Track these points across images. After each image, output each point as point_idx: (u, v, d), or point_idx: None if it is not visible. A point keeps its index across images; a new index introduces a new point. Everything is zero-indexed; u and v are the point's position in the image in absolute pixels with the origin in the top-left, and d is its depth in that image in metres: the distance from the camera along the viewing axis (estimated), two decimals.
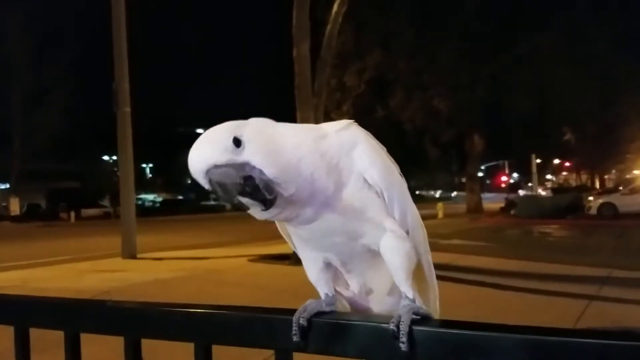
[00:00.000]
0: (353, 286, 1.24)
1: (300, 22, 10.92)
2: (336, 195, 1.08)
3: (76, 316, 1.39)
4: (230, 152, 1.02)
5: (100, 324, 1.35)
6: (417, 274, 1.20)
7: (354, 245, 1.14)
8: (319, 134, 1.12)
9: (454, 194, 73.95)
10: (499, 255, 11.32)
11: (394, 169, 1.17)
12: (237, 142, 1.03)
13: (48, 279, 9.46)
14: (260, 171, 1.02)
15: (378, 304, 1.24)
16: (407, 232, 1.17)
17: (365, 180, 1.11)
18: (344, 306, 1.29)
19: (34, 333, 1.42)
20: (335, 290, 1.26)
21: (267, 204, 1.03)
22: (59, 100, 41.28)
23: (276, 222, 1.21)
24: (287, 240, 1.30)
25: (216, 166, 1.01)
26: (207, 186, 1.04)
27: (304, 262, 1.24)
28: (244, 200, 1.04)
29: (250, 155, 1.02)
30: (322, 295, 1.20)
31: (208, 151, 1.03)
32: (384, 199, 1.13)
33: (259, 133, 1.06)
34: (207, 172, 1.01)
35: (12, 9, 38.95)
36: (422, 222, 1.23)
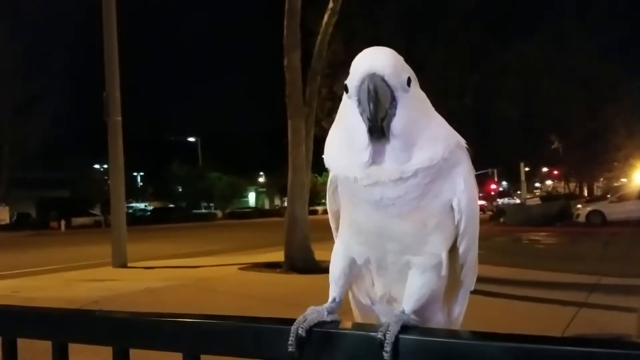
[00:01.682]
0: (378, 289, 1.23)
1: (291, 32, 10.95)
2: (422, 199, 1.05)
3: (64, 326, 1.38)
4: (400, 82, 1.01)
5: (89, 334, 1.34)
6: (450, 302, 1.24)
7: (401, 258, 1.12)
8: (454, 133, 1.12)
9: None
10: (488, 263, 11.32)
11: (477, 201, 1.15)
12: (408, 83, 1.03)
13: (38, 289, 9.38)
14: (401, 115, 1.00)
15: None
16: (463, 266, 1.18)
17: (449, 203, 1.09)
18: (358, 307, 1.29)
19: (23, 343, 1.42)
20: (353, 290, 1.25)
21: (380, 135, 0.98)
22: (49, 108, 41.07)
23: (340, 201, 1.17)
24: (332, 224, 1.26)
25: (384, 80, 0.99)
26: (355, 84, 1.01)
27: (337, 253, 1.20)
28: (363, 126, 0.99)
29: (405, 100, 1.01)
30: (330, 297, 1.18)
31: (392, 65, 1.01)
32: (459, 228, 1.12)
33: (421, 94, 1.09)
34: (374, 76, 0.98)
35: (2, 17, 38.80)
36: (477, 262, 1.23)
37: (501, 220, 29.07)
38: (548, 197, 42.30)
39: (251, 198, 69.45)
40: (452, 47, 28.06)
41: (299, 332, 1.06)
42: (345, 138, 1.04)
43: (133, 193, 56.61)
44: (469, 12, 27.35)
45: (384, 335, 0.98)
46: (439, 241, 1.10)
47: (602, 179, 53.86)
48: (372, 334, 1.02)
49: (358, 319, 1.36)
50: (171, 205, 58.28)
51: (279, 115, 12.21)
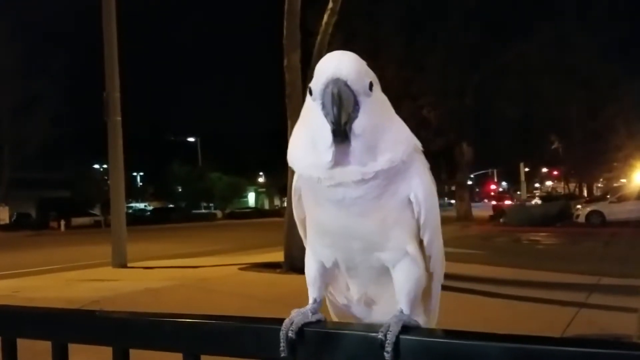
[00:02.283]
0: (353, 292, 1.24)
1: (291, 32, 10.95)
2: (381, 198, 1.08)
3: (64, 326, 1.38)
4: (363, 87, 1.05)
5: (88, 334, 1.34)
6: (425, 295, 1.23)
7: (368, 256, 1.14)
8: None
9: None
10: (488, 263, 11.37)
11: (436, 194, 1.18)
12: (370, 88, 1.06)
13: (38, 289, 9.38)
14: (363, 119, 1.03)
15: (377, 315, 1.25)
16: (430, 257, 1.20)
17: (408, 199, 1.12)
18: (335, 311, 1.30)
19: (23, 343, 1.41)
20: (330, 293, 1.27)
21: (343, 137, 1.01)
22: (49, 108, 41.05)
23: (304, 203, 1.21)
24: (300, 231, 1.29)
25: (347, 85, 1.02)
26: (320, 88, 1.04)
27: (308, 257, 1.24)
28: (328, 127, 1.02)
29: (368, 105, 1.05)
30: (310, 299, 1.21)
31: (355, 70, 1.04)
32: (419, 221, 1.14)
33: (382, 98, 1.12)
34: (338, 81, 1.01)
35: (2, 17, 38.79)
36: (444, 252, 1.25)
37: (501, 220, 29.09)
38: (548, 197, 42.28)
39: (251, 198, 69.45)
40: (452, 47, 28.09)
41: (289, 334, 1.08)
42: (309, 139, 1.07)
43: (133, 193, 56.60)
44: (468, 12, 27.35)
45: (385, 336, 0.99)
46: (401, 235, 1.13)
47: (601, 180, 53.89)
48: (372, 334, 1.02)
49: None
50: (171, 206, 58.28)
51: (279, 115, 12.21)
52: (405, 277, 1.14)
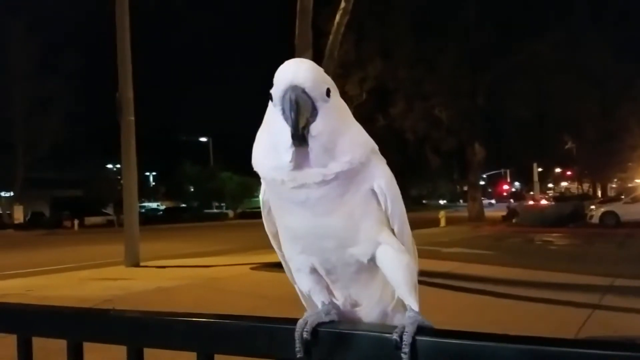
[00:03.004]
0: (338, 297, 1.25)
1: (303, 32, 10.97)
2: (344, 195, 1.12)
3: (79, 325, 1.39)
4: (320, 93, 1.09)
5: (103, 333, 1.35)
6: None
7: (342, 253, 1.16)
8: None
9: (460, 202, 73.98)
10: (501, 264, 11.30)
11: (397, 186, 1.21)
12: (328, 94, 1.10)
13: (51, 287, 9.46)
14: (320, 123, 1.07)
15: (365, 317, 1.25)
16: (402, 243, 1.20)
17: (371, 190, 1.15)
18: (339, 312, 1.30)
19: (37, 342, 1.43)
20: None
21: (301, 141, 1.05)
22: (62, 108, 41.40)
23: (273, 213, 1.23)
24: (274, 245, 1.32)
25: (305, 92, 1.06)
26: (279, 95, 1.08)
27: (293, 272, 1.26)
28: (287, 132, 1.05)
29: (325, 110, 1.08)
30: (319, 304, 1.22)
31: (312, 78, 1.08)
32: (387, 211, 1.17)
33: (341, 104, 1.16)
34: (296, 88, 1.05)
35: (16, 17, 39.19)
36: (413, 241, 1.27)
37: (514, 221, 28.90)
38: (561, 197, 41.96)
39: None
40: (463, 47, 27.94)
41: (304, 335, 1.10)
42: (271, 143, 1.11)
43: (145, 193, 56.92)
44: (480, 11, 27.19)
45: (401, 337, 1.00)
46: (371, 226, 1.15)
47: (616, 180, 53.36)
48: (387, 335, 1.02)
49: None
50: (183, 205, 58.56)
51: None
52: (392, 266, 1.15)
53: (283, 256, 1.28)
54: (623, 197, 27.57)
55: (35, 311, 1.52)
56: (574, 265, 10.98)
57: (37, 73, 40.41)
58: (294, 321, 1.12)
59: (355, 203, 1.13)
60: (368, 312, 1.23)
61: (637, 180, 41.32)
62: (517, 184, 74.35)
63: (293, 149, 1.05)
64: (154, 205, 63.52)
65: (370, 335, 1.06)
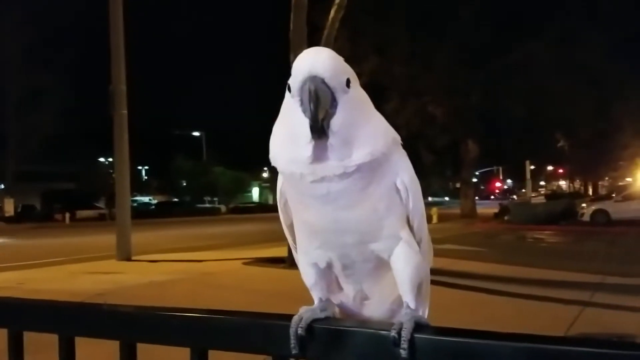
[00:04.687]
0: (348, 291, 1.24)
1: (298, 27, 10.93)
2: (366, 188, 1.09)
3: (71, 320, 1.38)
4: (340, 83, 1.06)
5: (96, 328, 1.34)
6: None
7: (363, 249, 1.14)
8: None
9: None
10: (492, 261, 11.35)
11: (417, 180, 1.19)
12: (348, 84, 1.07)
13: (42, 281, 9.42)
14: (340, 114, 1.04)
15: (371, 312, 1.24)
16: (420, 242, 1.20)
17: (394, 185, 1.13)
18: (334, 311, 1.30)
19: (29, 334, 1.41)
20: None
21: (320, 133, 1.02)
22: (54, 101, 41.12)
23: (290, 206, 1.21)
24: (288, 237, 1.29)
25: (324, 82, 1.03)
26: (297, 86, 1.05)
27: (302, 263, 1.23)
28: (306, 124, 1.03)
29: (345, 101, 1.05)
30: (316, 300, 1.20)
31: (331, 68, 1.05)
32: (408, 206, 1.15)
33: (361, 94, 1.13)
34: (315, 79, 1.02)
35: (8, 10, 38.83)
36: (430, 238, 1.26)
37: (505, 218, 29.02)
38: (553, 195, 42.19)
39: (255, 193, 69.51)
40: (458, 45, 27.98)
41: (299, 332, 1.08)
42: (289, 135, 1.08)
43: (138, 187, 56.73)
44: (475, 10, 27.23)
45: (399, 334, 0.99)
46: (394, 222, 1.14)
47: (607, 178, 53.72)
48: (383, 332, 1.01)
49: None
50: (175, 200, 58.43)
51: None
52: (404, 264, 1.14)
53: (296, 249, 1.25)
54: (614, 195, 27.73)
55: (26, 305, 1.50)
56: (565, 262, 11.04)
57: (30, 65, 40.10)
58: (289, 317, 1.11)
59: (378, 197, 1.11)
60: (377, 306, 1.22)
61: (628, 179, 41.62)
62: (509, 181, 74.69)
63: (312, 142, 1.02)
64: (146, 199, 63.31)
65: (367, 332, 1.05)
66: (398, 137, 1.16)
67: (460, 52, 28.08)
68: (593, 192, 47.85)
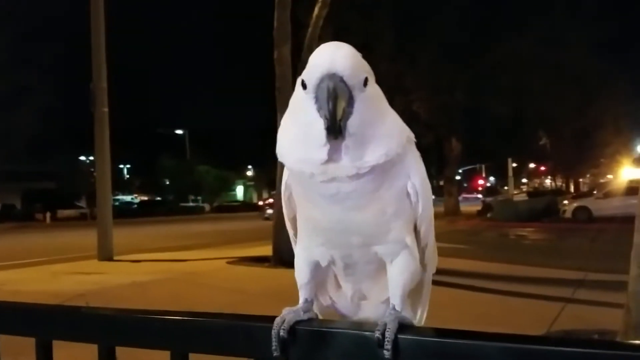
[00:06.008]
0: (346, 290, 1.22)
1: (282, 25, 10.89)
2: (377, 190, 1.06)
3: (48, 322, 1.35)
4: (358, 82, 1.02)
5: (74, 331, 1.31)
6: (416, 288, 1.22)
7: (367, 251, 1.12)
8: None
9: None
10: (476, 258, 11.44)
11: (429, 185, 1.17)
12: (365, 83, 1.03)
13: (23, 282, 9.28)
14: (357, 114, 1.01)
15: (367, 311, 1.23)
16: (426, 247, 1.20)
17: (405, 188, 1.11)
18: (320, 310, 1.28)
19: (5, 337, 1.38)
20: (317, 292, 1.25)
21: (337, 134, 0.98)
22: (35, 100, 40.56)
23: (295, 200, 1.18)
24: (290, 230, 1.26)
25: (343, 80, 0.99)
26: (314, 83, 1.00)
27: (299, 259, 1.21)
28: (322, 122, 0.99)
29: (362, 99, 1.02)
30: (301, 299, 1.19)
31: (351, 65, 1.01)
32: (417, 211, 1.13)
33: (376, 91, 1.09)
34: (334, 77, 0.98)
35: None
36: (435, 242, 1.25)
37: (488, 215, 29.26)
38: (535, 192, 42.59)
39: (239, 192, 69.28)
40: (443, 43, 28.13)
41: (281, 333, 1.06)
42: (300, 132, 1.04)
43: (120, 185, 56.20)
44: (460, 8, 27.39)
45: (382, 334, 0.98)
46: (401, 226, 1.12)
47: (588, 176, 54.37)
48: (368, 333, 1.00)
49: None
50: (158, 198, 58.01)
51: (268, 108, 12.15)
52: (400, 270, 1.12)
53: (296, 243, 1.23)
54: (595, 192, 28.07)
55: (2, 307, 1.46)
56: (547, 259, 11.15)
57: (10, 64, 39.49)
58: (270, 319, 1.10)
59: (388, 199, 1.08)
60: (374, 307, 1.21)
61: (609, 176, 42.15)
62: (492, 178, 75.25)
63: (327, 142, 0.99)
64: (128, 198, 62.77)
65: (350, 333, 1.04)
66: (412, 136, 1.14)
67: (445, 50, 28.24)
68: (575, 189, 48.33)
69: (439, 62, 28.22)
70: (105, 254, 12.31)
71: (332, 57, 1.00)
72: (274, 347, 1.05)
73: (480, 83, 29.55)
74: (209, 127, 62.93)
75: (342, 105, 0.98)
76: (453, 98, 29.93)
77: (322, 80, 0.99)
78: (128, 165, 64.62)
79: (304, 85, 1.03)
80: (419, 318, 1.27)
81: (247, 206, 54.56)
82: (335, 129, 0.98)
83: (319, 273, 1.20)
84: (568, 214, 25.47)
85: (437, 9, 27.58)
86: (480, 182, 61.87)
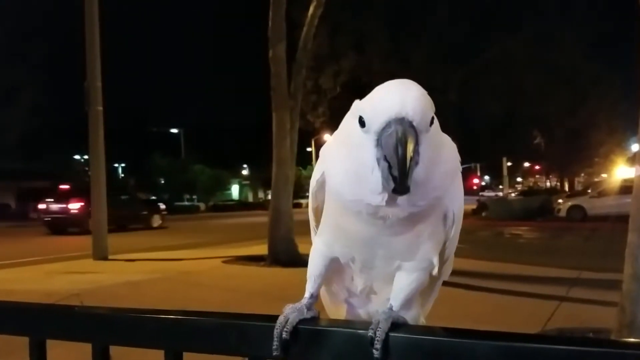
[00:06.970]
0: (357, 284, 1.21)
1: (277, 24, 10.88)
2: (418, 220, 1.03)
3: (42, 322, 1.34)
4: (425, 125, 0.94)
5: (68, 330, 1.31)
6: (426, 292, 1.23)
7: (390, 262, 1.11)
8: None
9: None
10: (470, 257, 11.44)
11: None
12: (431, 122, 0.97)
13: (17, 281, 9.25)
14: (423, 162, 0.94)
15: (374, 304, 1.22)
16: (446, 261, 1.20)
17: (444, 213, 1.09)
18: (326, 299, 1.29)
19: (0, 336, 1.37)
20: (328, 282, 1.25)
21: (403, 189, 0.91)
22: (29, 98, 40.39)
23: (327, 205, 1.14)
24: (311, 220, 1.24)
25: (413, 125, 0.91)
26: (379, 126, 0.93)
27: (316, 251, 1.18)
28: (386, 172, 0.92)
29: (427, 142, 0.95)
30: (307, 293, 1.17)
31: (422, 109, 0.93)
32: (449, 233, 1.12)
33: (437, 125, 1.00)
34: (404, 122, 0.90)
35: None
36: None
37: (483, 214, 29.33)
38: (530, 191, 42.74)
39: (234, 191, 69.19)
40: (436, 42, 28.19)
41: (283, 335, 1.04)
42: (356, 170, 0.98)
43: (114, 184, 55.97)
44: (453, 7, 27.47)
45: (374, 333, 0.98)
46: (431, 247, 1.10)
47: (583, 175, 54.58)
48: (361, 331, 1.00)
49: (328, 308, 1.35)
50: (153, 197, 57.87)
51: (263, 107, 12.14)
52: (410, 281, 1.12)
53: (316, 233, 1.20)
54: (589, 191, 28.16)
55: None
56: (541, 258, 11.19)
57: (3, 62, 39.29)
58: (267, 318, 1.09)
59: (425, 225, 1.06)
60: (382, 303, 1.19)
61: (603, 175, 42.30)
62: (487, 177, 75.48)
63: (387, 193, 0.93)
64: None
65: (347, 331, 1.03)
66: (459, 165, 1.10)
67: (438, 49, 28.30)
68: (569, 188, 48.49)
69: (433, 61, 28.29)
70: (100, 254, 12.27)
71: (403, 100, 0.92)
72: (274, 347, 1.04)
73: (474, 82, 29.63)
74: (204, 126, 62.87)
75: (409, 155, 0.91)
76: (446, 97, 30.00)
77: (388, 124, 0.92)
78: (123, 164, 64.44)
79: (362, 124, 0.96)
80: (422, 318, 1.27)
81: (242, 205, 54.46)
82: (402, 190, 0.92)
83: (334, 267, 1.18)
84: (562, 213, 25.54)
85: (430, 8, 27.65)
86: (475, 181, 62.04)
